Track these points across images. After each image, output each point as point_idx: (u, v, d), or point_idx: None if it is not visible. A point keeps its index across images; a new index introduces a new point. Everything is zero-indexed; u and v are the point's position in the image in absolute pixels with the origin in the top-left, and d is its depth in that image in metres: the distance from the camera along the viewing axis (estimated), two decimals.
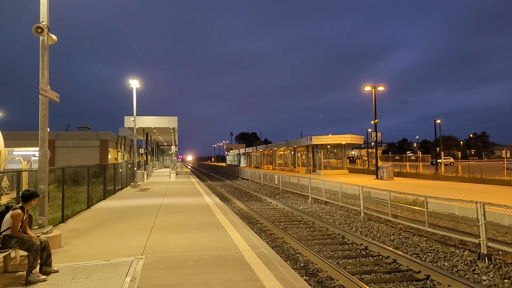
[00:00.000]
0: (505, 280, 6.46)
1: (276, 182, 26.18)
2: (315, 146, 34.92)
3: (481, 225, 7.47)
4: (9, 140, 23.62)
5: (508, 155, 34.55)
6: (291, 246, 9.15)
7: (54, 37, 7.07)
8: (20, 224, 5.06)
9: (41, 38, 6.83)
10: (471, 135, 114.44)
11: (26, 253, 5.00)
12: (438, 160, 38.85)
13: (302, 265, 7.60)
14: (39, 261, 5.05)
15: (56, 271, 5.19)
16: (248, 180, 36.53)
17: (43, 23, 6.80)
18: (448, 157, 63.67)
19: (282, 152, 46.75)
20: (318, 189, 18.49)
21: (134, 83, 22.97)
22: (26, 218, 5.25)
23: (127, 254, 6.20)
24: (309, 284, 5.78)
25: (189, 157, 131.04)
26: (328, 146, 35.38)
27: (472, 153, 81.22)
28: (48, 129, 7.12)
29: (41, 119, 6.84)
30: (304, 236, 10.33)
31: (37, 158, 7.03)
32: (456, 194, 14.98)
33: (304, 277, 6.66)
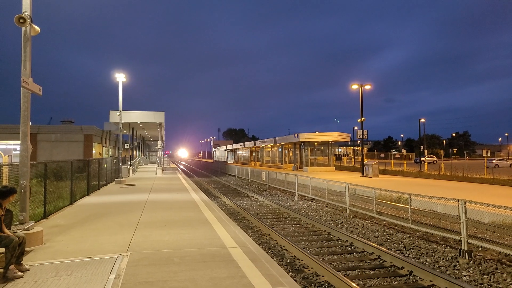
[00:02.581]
0: (485, 276, 6.66)
1: (264, 179, 26.26)
2: (302, 143, 35.13)
3: (463, 222, 7.67)
4: None
5: (489, 154, 35.54)
6: (277, 243, 9.20)
7: (37, 28, 6.86)
8: None
9: (23, 29, 6.62)
10: (453, 134, 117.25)
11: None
12: (422, 158, 39.65)
13: (288, 261, 7.66)
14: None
15: (27, 269, 5.03)
16: (235, 176, 36.52)
17: (26, 13, 6.58)
18: (431, 156, 65.17)
19: (270, 149, 46.85)
20: (305, 186, 18.63)
21: (120, 77, 22.62)
22: (2, 215, 5.09)
23: (111, 251, 6.10)
24: (294, 280, 5.83)
25: (177, 153, 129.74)
26: (315, 144, 35.66)
27: (455, 151, 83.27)
28: (30, 122, 6.93)
29: (22, 112, 6.64)
30: (291, 233, 10.40)
31: (18, 152, 6.83)
32: (439, 191, 15.33)
33: (290, 273, 6.70)
